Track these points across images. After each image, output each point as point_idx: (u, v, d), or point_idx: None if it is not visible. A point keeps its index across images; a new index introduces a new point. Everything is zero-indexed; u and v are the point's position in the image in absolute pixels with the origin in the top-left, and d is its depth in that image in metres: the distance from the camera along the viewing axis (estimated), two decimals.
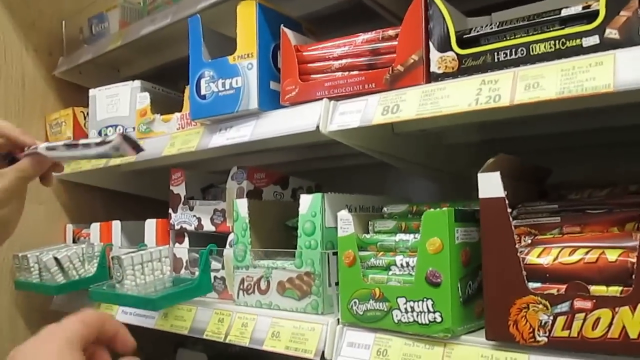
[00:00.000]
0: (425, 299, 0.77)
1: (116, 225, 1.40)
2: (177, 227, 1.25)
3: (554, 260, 0.69)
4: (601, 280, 0.65)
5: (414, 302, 0.78)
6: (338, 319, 0.89)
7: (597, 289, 0.65)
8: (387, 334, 0.82)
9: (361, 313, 0.84)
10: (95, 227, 1.45)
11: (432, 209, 0.79)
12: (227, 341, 1.01)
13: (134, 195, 1.77)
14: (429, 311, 0.76)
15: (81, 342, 0.52)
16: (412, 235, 0.84)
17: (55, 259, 1.33)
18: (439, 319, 0.75)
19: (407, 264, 0.81)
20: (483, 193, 0.73)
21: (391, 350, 0.80)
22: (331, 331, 0.88)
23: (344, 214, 0.88)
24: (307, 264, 0.95)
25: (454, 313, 0.75)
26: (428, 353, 0.77)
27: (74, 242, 1.54)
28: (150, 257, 1.13)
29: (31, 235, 1.51)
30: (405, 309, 0.79)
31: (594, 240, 0.70)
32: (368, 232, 0.91)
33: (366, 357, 0.82)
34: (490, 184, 0.73)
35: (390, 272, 0.83)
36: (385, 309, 0.81)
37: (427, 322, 0.76)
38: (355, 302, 0.85)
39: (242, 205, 1.06)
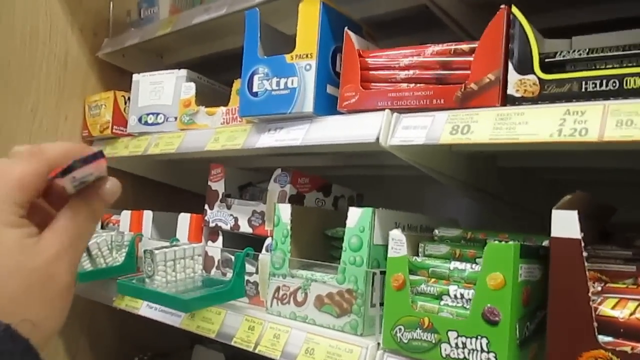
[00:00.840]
0: (479, 337, 0.72)
1: (147, 215, 1.37)
2: (211, 225, 1.21)
3: (631, 314, 0.63)
4: None
5: (466, 338, 0.73)
6: (379, 343, 0.84)
7: None
8: None
9: (406, 341, 0.79)
10: (126, 214, 1.41)
11: (493, 241, 0.74)
12: (256, 351, 0.97)
13: (167, 185, 1.74)
14: (482, 350, 0.71)
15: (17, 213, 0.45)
16: (468, 265, 0.79)
17: None
18: (493, 359, 0.70)
19: (462, 295, 0.76)
20: (556, 231, 0.68)
21: None
22: (370, 355, 0.83)
23: (396, 234, 0.83)
24: (350, 281, 0.90)
25: (510, 355, 0.70)
26: None
27: (102, 227, 1.51)
28: (184, 254, 1.09)
29: None
30: (456, 344, 0.74)
31: None
32: (418, 255, 0.86)
33: None
34: (566, 223, 0.67)
35: (442, 302, 0.78)
36: (434, 341, 0.76)
37: None
38: (400, 329, 0.80)
39: (284, 210, 1.02)
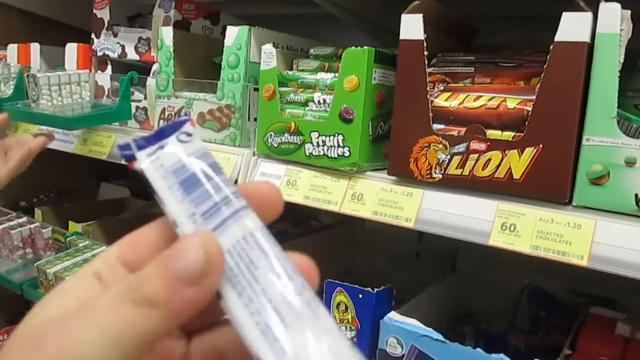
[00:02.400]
0: (336, 134, 0.79)
1: (35, 47, 1.33)
2: (99, 54, 1.20)
3: (460, 104, 0.72)
4: (498, 125, 0.70)
5: (326, 136, 0.81)
6: (254, 152, 0.91)
7: (493, 133, 0.70)
8: (298, 166, 0.85)
9: (276, 145, 0.86)
10: (13, 48, 1.37)
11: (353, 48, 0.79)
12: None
13: (58, 22, 1.66)
14: (338, 146, 0.79)
15: None
16: (332, 74, 0.84)
17: None
18: (347, 154, 0.79)
19: (324, 100, 0.83)
20: (404, 34, 0.74)
21: (300, 181, 0.84)
22: (246, 161, 0.90)
23: (268, 48, 0.87)
24: (228, 97, 0.95)
25: (362, 149, 0.79)
26: (334, 185, 0.81)
27: None
28: (69, 80, 1.10)
29: None
30: (317, 142, 0.82)
31: (500, 91, 0.73)
32: (292, 70, 0.91)
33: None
34: (412, 26, 0.73)
35: (307, 108, 0.85)
36: (299, 142, 0.84)
37: (336, 156, 0.80)
38: (271, 135, 0.87)
39: (167, 33, 1.03)
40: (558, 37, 0.65)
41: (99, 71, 1.22)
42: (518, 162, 0.67)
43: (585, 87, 0.64)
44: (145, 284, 0.25)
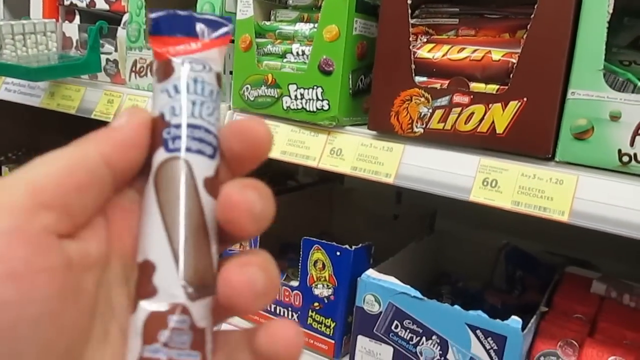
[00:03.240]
0: (315, 87, 0.77)
1: None
2: (67, 3, 1.14)
3: (443, 56, 0.70)
4: (482, 78, 0.68)
5: (304, 89, 0.78)
6: (229, 105, 0.88)
7: (476, 86, 0.68)
8: (275, 120, 0.82)
9: (252, 99, 0.83)
10: None
11: None
12: None
13: None
14: (317, 99, 0.77)
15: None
16: (312, 25, 0.81)
17: None
18: (326, 107, 0.76)
19: (303, 52, 0.80)
20: None
21: (278, 136, 0.81)
22: (221, 115, 0.87)
23: None
24: None
25: (342, 102, 0.76)
26: (312, 139, 0.78)
27: None
28: (34, 29, 1.04)
29: None
30: (295, 95, 0.79)
31: (484, 43, 0.71)
32: (269, 21, 0.87)
33: None
34: None
35: (285, 60, 0.81)
36: (276, 96, 0.81)
37: (315, 109, 0.77)
38: (247, 88, 0.84)
39: None
40: None
41: (66, 21, 1.16)
42: (501, 116, 0.65)
43: (572, 40, 0.62)
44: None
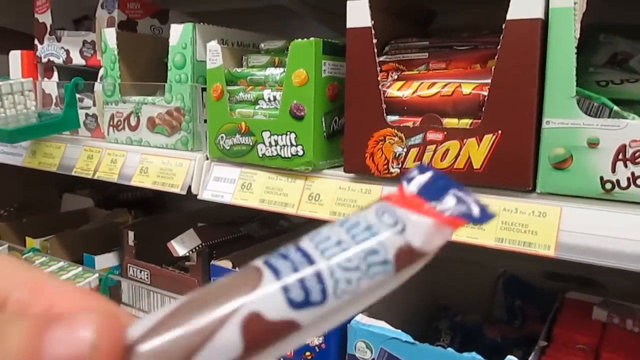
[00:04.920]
0: (288, 133, 0.75)
1: None
2: (44, 60, 1.14)
3: (413, 93, 0.68)
4: (454, 113, 0.66)
5: (277, 135, 0.76)
6: (207, 155, 0.87)
7: (449, 122, 0.66)
8: (252, 168, 0.81)
9: (228, 148, 0.82)
10: None
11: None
12: (95, 177, 0.97)
13: (7, 28, 1.59)
14: (291, 144, 0.75)
15: None
16: (282, 69, 0.80)
17: None
18: (301, 153, 0.75)
19: (275, 98, 0.78)
20: (351, 22, 0.70)
21: (255, 184, 0.80)
22: (199, 166, 0.86)
23: (213, 45, 0.82)
24: (177, 99, 0.90)
25: (316, 147, 0.74)
26: (290, 186, 0.77)
27: None
28: (11, 90, 1.04)
29: None
30: (270, 142, 0.77)
31: (455, 76, 0.69)
32: (241, 67, 0.86)
33: (231, 191, 0.81)
34: (358, 13, 0.69)
35: (258, 107, 0.80)
36: (251, 143, 0.79)
37: (290, 155, 0.76)
38: (222, 137, 0.82)
39: (110, 35, 0.97)
40: (510, 15, 0.61)
41: (45, 78, 1.16)
42: (477, 151, 0.63)
43: (541, 67, 0.61)
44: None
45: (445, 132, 0.65)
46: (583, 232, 0.59)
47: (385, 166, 0.69)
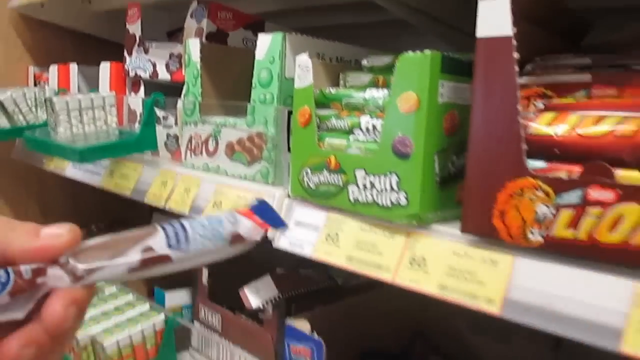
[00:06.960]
0: (389, 174, 0.57)
1: (73, 68, 1.21)
2: (132, 74, 1.05)
3: (571, 130, 0.48)
4: (635, 162, 0.45)
5: (375, 176, 0.59)
6: (288, 193, 0.71)
7: (626, 175, 0.45)
8: (341, 213, 0.64)
9: (313, 187, 0.66)
10: (54, 70, 1.26)
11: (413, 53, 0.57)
12: (166, 207, 0.85)
13: (112, 42, 1.56)
14: (392, 190, 0.57)
15: None
16: (386, 92, 0.62)
17: None
18: (403, 201, 0.56)
19: (374, 127, 0.61)
20: (482, 30, 0.51)
21: (343, 235, 0.62)
22: (277, 205, 0.70)
23: (302, 59, 0.67)
24: (259, 122, 0.75)
25: (424, 195, 0.56)
26: (386, 242, 0.59)
27: (35, 86, 1.36)
28: (91, 104, 0.95)
29: None
30: (364, 185, 0.60)
31: (635, 108, 0.48)
32: (338, 87, 0.70)
33: (313, 241, 0.65)
34: (494, 17, 0.50)
35: (352, 138, 0.63)
36: (341, 184, 0.62)
37: (389, 204, 0.58)
38: (307, 172, 0.66)
39: (194, 47, 0.85)
40: None
41: (132, 93, 1.08)
42: None
43: None
44: None
45: (620, 191, 0.44)
46: None
47: (521, 230, 0.49)
